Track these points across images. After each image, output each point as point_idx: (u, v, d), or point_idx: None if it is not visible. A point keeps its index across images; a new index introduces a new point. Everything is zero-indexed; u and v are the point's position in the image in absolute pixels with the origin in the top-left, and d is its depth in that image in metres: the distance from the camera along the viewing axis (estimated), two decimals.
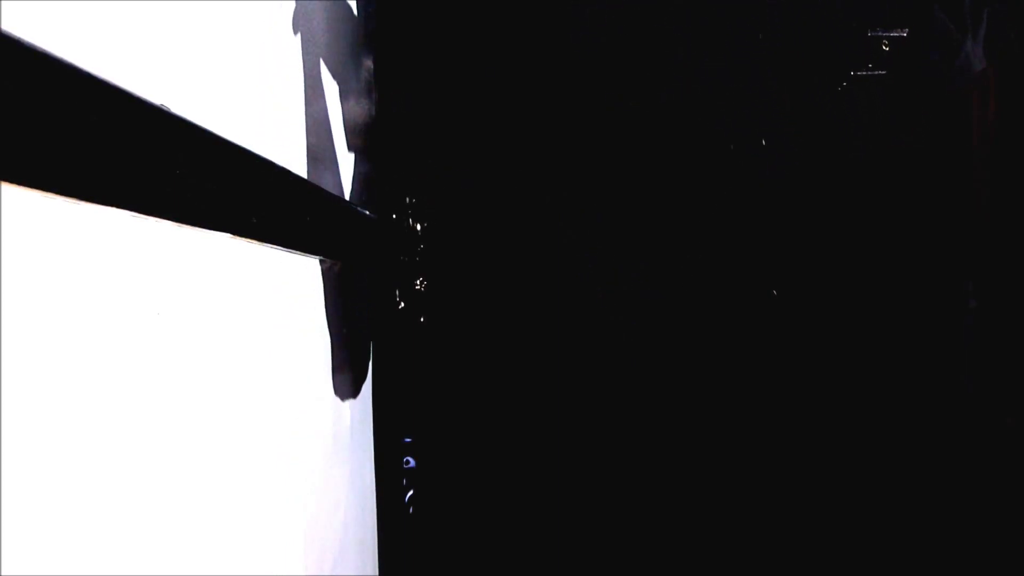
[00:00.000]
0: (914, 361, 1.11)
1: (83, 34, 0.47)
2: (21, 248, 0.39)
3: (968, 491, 1.11)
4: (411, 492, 1.29)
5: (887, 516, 1.09)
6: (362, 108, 1.26)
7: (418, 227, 1.29)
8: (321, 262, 1.01)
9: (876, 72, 0.99)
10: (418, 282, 1.29)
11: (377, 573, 1.26)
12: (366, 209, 1.15)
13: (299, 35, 0.96)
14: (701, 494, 1.13)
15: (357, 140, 1.23)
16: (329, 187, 1.00)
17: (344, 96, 1.19)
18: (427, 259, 1.29)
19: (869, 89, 1.01)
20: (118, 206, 0.45)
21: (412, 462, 1.30)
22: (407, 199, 1.29)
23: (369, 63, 1.28)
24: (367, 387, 1.28)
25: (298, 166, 0.93)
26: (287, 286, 0.89)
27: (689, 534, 1.13)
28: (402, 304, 1.30)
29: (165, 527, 0.57)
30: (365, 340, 1.27)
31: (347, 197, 1.14)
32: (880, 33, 0.97)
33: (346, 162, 1.18)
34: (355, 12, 1.24)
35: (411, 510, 1.29)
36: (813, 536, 1.10)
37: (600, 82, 1.09)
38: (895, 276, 1.11)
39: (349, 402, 1.16)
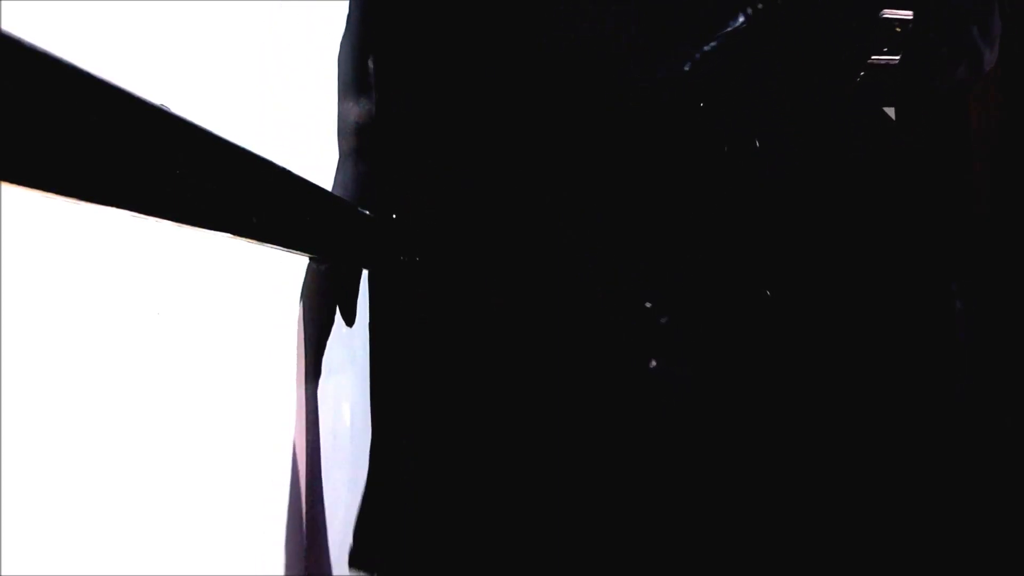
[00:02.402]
0: (909, 363, 1.11)
1: (83, 34, 0.47)
2: (21, 248, 0.39)
3: (965, 493, 1.11)
4: (411, 492, 1.29)
5: (883, 518, 1.08)
6: (362, 108, 1.26)
7: (418, 227, 1.29)
8: (321, 262, 1.01)
9: (892, 57, 0.98)
10: (418, 282, 1.29)
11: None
12: (366, 209, 1.15)
13: (299, 35, 0.96)
14: (699, 493, 1.13)
15: (357, 140, 1.23)
16: (329, 187, 1.00)
17: (344, 96, 1.19)
18: (427, 259, 1.29)
19: (873, 88, 1.01)
20: (118, 206, 0.45)
21: (412, 462, 1.30)
22: (407, 199, 1.29)
23: (369, 63, 1.27)
24: (367, 387, 1.28)
25: (298, 166, 0.93)
26: (287, 286, 0.89)
27: (687, 534, 1.13)
28: (402, 304, 1.30)
29: (164, 527, 0.57)
30: (365, 340, 1.27)
31: (347, 197, 1.14)
32: (893, 15, 0.95)
33: (345, 162, 1.18)
34: (356, 12, 1.24)
35: (411, 510, 1.29)
36: (810, 538, 1.10)
37: (600, 82, 1.09)
38: (895, 277, 1.11)
39: (349, 402, 1.16)
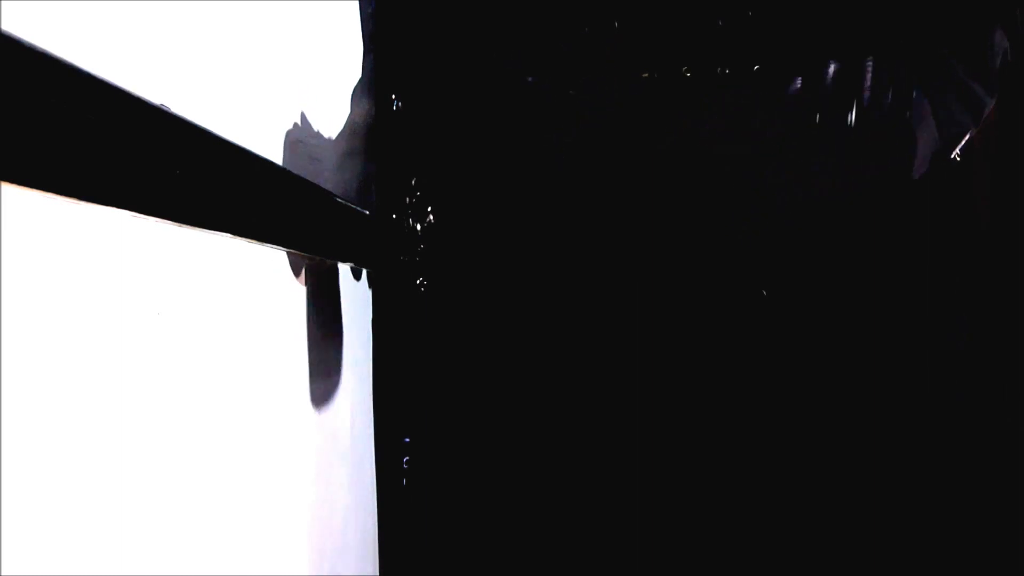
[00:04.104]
0: (911, 362, 1.11)
1: (83, 34, 0.47)
2: (21, 248, 0.39)
3: (965, 490, 1.11)
4: (411, 492, 1.29)
5: (883, 515, 1.08)
6: (362, 108, 1.26)
7: (418, 227, 1.29)
8: (320, 262, 1.01)
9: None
10: (418, 282, 1.29)
11: (377, 574, 1.26)
12: (366, 209, 1.16)
13: (300, 35, 0.96)
14: (699, 493, 1.13)
15: (357, 140, 1.23)
16: (329, 187, 1.00)
17: (344, 96, 1.19)
18: (427, 259, 1.29)
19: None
20: (118, 206, 0.45)
21: (411, 462, 1.30)
22: (407, 199, 1.29)
23: (369, 63, 1.28)
24: (367, 387, 1.28)
25: (298, 166, 0.93)
26: (287, 286, 0.89)
27: (686, 533, 1.13)
28: (402, 304, 1.30)
29: (164, 527, 0.57)
30: (365, 340, 1.28)
31: (347, 197, 1.14)
32: None
33: (346, 162, 1.18)
34: (356, 12, 1.24)
35: (411, 510, 1.29)
36: (811, 534, 1.10)
37: (600, 82, 1.09)
38: (898, 279, 1.11)
39: (349, 402, 1.16)
